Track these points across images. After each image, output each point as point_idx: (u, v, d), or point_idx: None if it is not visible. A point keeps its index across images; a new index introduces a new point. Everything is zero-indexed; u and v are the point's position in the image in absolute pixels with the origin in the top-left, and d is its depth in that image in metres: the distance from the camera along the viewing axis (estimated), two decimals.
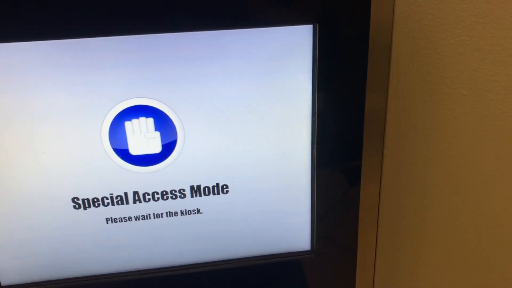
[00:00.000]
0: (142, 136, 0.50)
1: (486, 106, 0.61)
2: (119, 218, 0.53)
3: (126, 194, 0.52)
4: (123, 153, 0.50)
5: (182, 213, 0.54)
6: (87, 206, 0.52)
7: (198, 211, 0.54)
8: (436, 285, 0.74)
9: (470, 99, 0.60)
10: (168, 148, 0.51)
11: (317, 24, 0.46)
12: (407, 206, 0.67)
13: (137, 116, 0.49)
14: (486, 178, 0.66)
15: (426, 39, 0.57)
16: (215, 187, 0.53)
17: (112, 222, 0.53)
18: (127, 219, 0.53)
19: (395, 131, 0.62)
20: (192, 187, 0.53)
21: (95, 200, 0.51)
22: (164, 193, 0.53)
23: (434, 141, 0.63)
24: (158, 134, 0.50)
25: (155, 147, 0.50)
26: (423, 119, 0.61)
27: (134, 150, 0.50)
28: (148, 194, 0.52)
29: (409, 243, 0.70)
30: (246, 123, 0.51)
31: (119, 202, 0.52)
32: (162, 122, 0.49)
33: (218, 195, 0.54)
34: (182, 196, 0.53)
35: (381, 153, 0.54)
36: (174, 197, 0.53)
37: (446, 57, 0.58)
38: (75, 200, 0.51)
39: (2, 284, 0.54)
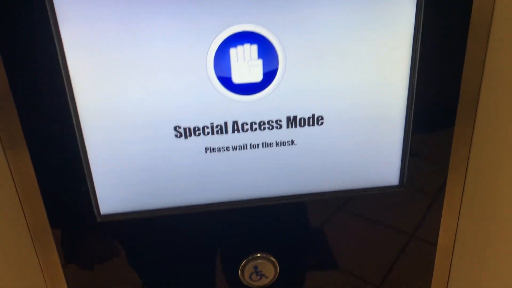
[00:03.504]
0: (245, 64, 0.50)
1: None
2: (217, 148, 0.54)
3: (226, 123, 0.53)
4: (226, 81, 0.51)
5: (277, 144, 0.55)
6: (188, 135, 0.53)
7: (293, 142, 0.55)
8: None
9: None
10: (268, 77, 0.51)
11: None
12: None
13: (242, 43, 0.49)
14: None
15: None
16: (311, 118, 0.54)
17: (210, 152, 0.54)
18: (225, 149, 0.54)
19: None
20: (288, 118, 0.54)
21: (196, 129, 0.52)
22: (262, 123, 0.53)
23: None
24: (260, 62, 0.50)
25: (257, 76, 0.51)
26: None
27: (236, 78, 0.51)
28: (247, 124, 0.53)
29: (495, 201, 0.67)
30: (347, 51, 0.51)
31: (219, 131, 0.53)
32: (266, 49, 0.50)
33: (313, 127, 0.54)
34: (278, 127, 0.54)
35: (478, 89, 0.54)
36: (270, 127, 0.54)
37: None
38: (177, 128, 0.52)
39: (102, 213, 0.56)
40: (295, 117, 0.54)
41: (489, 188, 0.62)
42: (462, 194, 0.60)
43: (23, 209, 0.54)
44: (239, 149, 0.54)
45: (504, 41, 0.53)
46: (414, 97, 0.53)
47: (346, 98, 0.53)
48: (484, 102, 0.56)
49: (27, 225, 0.55)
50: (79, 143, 0.51)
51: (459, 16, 0.51)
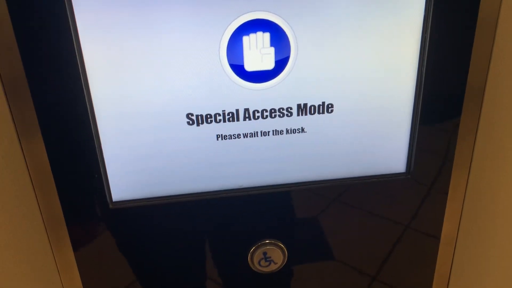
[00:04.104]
0: (258, 52, 0.51)
1: None
2: (229, 135, 0.55)
3: (237, 111, 0.53)
4: (239, 69, 0.51)
5: (287, 131, 0.56)
6: (200, 122, 0.53)
7: (303, 130, 0.56)
8: None
9: None
10: (280, 64, 0.52)
11: None
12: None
13: (255, 31, 0.50)
14: None
15: None
16: (321, 106, 0.55)
17: (222, 139, 0.55)
18: (236, 136, 0.55)
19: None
20: (299, 106, 0.54)
21: (208, 116, 0.53)
22: (273, 110, 0.54)
23: None
24: (272, 50, 0.51)
25: (269, 63, 0.52)
26: None
27: (248, 66, 0.51)
28: (258, 112, 0.54)
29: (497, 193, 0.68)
30: (357, 40, 0.51)
31: (230, 118, 0.54)
32: (278, 37, 0.50)
33: (323, 114, 0.55)
34: (289, 114, 0.55)
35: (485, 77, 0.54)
36: (281, 115, 0.54)
37: None
38: (190, 116, 0.53)
39: (114, 199, 0.57)
40: (305, 105, 0.54)
41: (493, 180, 0.63)
42: (467, 184, 0.61)
43: (36, 195, 0.54)
44: (250, 136, 0.55)
45: (511, 33, 0.54)
46: (422, 86, 0.54)
47: (356, 86, 0.54)
48: (490, 93, 0.57)
49: (40, 211, 0.55)
50: (92, 130, 0.51)
51: (468, 9, 0.51)
